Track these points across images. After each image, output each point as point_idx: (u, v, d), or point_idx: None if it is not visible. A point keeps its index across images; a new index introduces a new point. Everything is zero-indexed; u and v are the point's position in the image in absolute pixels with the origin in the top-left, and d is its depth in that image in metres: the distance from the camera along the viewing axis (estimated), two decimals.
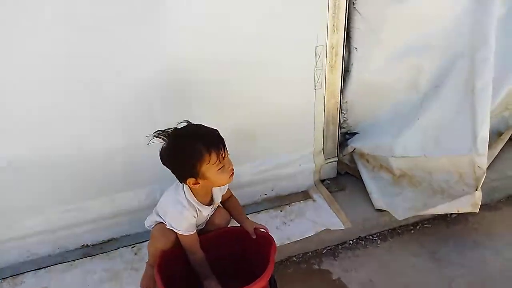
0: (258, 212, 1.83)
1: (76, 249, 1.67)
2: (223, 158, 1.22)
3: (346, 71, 1.78)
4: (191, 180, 1.23)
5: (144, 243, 1.65)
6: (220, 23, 1.48)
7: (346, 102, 1.84)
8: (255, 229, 1.39)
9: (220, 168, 1.22)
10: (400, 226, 1.82)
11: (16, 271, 1.57)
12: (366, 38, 1.70)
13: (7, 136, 1.41)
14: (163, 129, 1.24)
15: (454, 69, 1.70)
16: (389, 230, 1.82)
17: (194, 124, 1.26)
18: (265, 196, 1.91)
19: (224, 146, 1.22)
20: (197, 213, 1.32)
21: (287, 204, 1.87)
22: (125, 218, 1.68)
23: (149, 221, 1.43)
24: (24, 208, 1.55)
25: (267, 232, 1.37)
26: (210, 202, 1.37)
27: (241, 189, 1.75)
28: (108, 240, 1.71)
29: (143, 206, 1.62)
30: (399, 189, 1.78)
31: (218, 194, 1.39)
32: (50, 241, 1.64)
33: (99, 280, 1.52)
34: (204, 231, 1.44)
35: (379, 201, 1.76)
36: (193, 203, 1.30)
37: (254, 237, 1.38)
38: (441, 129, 1.70)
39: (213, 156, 1.19)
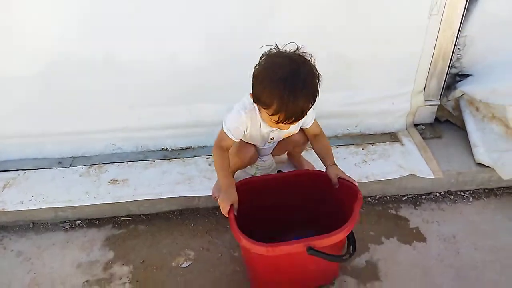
0: (336, 146, 1.72)
1: (157, 150, 1.76)
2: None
3: None
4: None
5: None
6: None
7: (465, 36, 1.57)
8: (339, 178, 1.23)
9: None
10: (500, 188, 1.62)
11: (102, 160, 1.70)
12: None
13: (109, 34, 1.45)
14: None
15: None
16: (486, 190, 1.62)
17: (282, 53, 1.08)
18: (347, 131, 1.78)
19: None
20: (252, 122, 1.23)
21: (370, 143, 1.72)
22: (203, 129, 1.70)
23: None
24: (115, 104, 1.62)
25: (355, 184, 1.21)
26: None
27: (322, 119, 1.63)
28: (186, 148, 1.76)
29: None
30: (511, 144, 1.55)
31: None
32: (134, 139, 1.74)
33: (173, 181, 1.58)
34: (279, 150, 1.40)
35: (483, 155, 1.54)
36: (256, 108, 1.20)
37: (337, 186, 1.23)
38: None
39: None
